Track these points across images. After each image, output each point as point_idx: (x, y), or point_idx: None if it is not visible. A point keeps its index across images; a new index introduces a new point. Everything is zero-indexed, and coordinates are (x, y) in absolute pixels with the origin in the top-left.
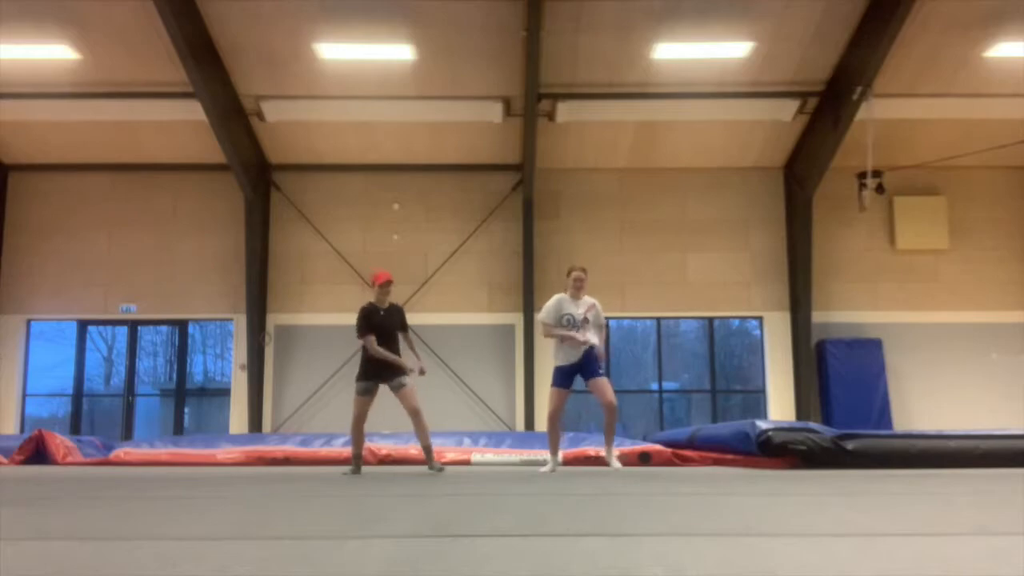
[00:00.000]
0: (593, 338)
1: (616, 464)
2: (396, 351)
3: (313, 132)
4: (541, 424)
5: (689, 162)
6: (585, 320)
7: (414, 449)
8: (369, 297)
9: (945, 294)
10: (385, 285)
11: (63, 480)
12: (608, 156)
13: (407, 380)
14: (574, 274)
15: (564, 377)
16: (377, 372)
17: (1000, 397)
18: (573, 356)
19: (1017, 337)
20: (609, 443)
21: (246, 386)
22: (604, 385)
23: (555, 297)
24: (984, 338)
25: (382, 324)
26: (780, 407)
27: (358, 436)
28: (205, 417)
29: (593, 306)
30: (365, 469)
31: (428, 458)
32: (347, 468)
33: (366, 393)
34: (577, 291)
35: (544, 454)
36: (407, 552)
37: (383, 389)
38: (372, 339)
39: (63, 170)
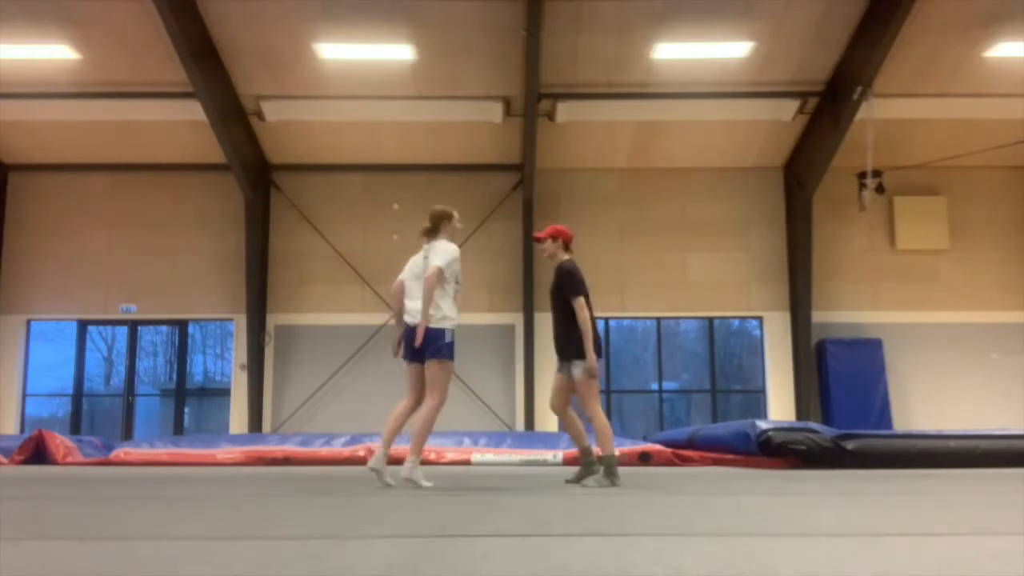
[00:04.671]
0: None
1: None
2: None
3: (313, 132)
4: (541, 424)
5: (689, 162)
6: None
7: None
8: (369, 297)
9: (945, 294)
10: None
11: (63, 480)
12: (608, 156)
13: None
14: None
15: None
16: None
17: (1000, 397)
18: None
19: (1017, 337)
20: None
21: (246, 386)
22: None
23: (454, 247)
24: (984, 338)
25: None
26: (780, 407)
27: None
28: (205, 417)
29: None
30: (364, 470)
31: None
32: (597, 473)
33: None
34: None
35: (545, 454)
36: (407, 552)
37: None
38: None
39: (63, 170)
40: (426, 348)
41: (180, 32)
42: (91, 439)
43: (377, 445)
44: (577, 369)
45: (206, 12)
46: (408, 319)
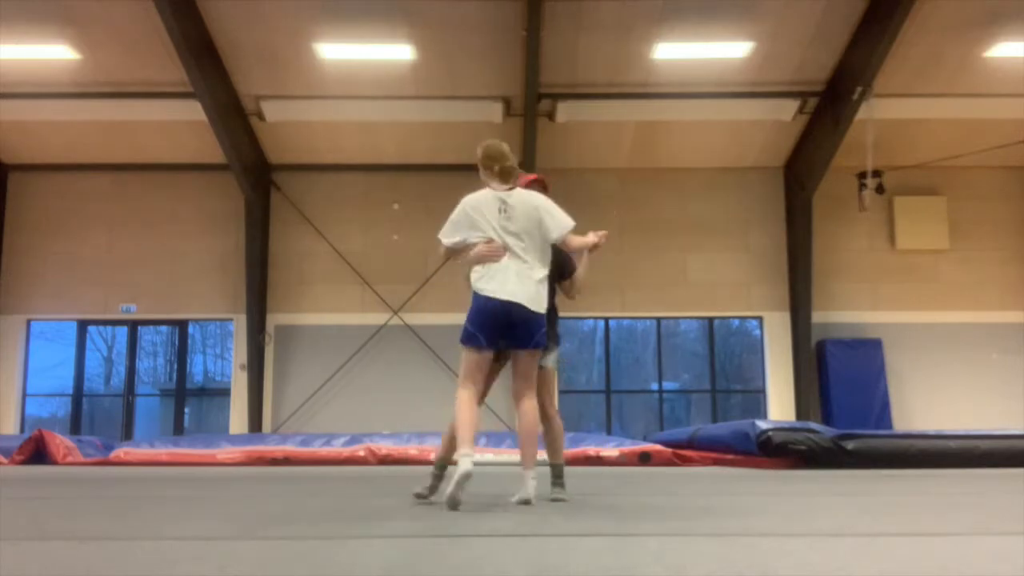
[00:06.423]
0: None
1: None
2: None
3: (313, 132)
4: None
5: (689, 162)
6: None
7: (414, 449)
8: (369, 297)
9: (945, 294)
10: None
11: (63, 480)
12: (608, 156)
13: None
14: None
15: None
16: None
17: (1000, 397)
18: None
19: (1017, 337)
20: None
21: (246, 386)
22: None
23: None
24: (984, 338)
25: None
26: (780, 407)
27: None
28: (205, 417)
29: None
30: (364, 470)
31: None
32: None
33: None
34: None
35: (544, 454)
36: (407, 552)
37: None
38: None
39: (63, 170)
40: (532, 336)
41: (180, 32)
42: (91, 439)
43: (376, 445)
44: (551, 358)
45: (206, 12)
46: (506, 296)
